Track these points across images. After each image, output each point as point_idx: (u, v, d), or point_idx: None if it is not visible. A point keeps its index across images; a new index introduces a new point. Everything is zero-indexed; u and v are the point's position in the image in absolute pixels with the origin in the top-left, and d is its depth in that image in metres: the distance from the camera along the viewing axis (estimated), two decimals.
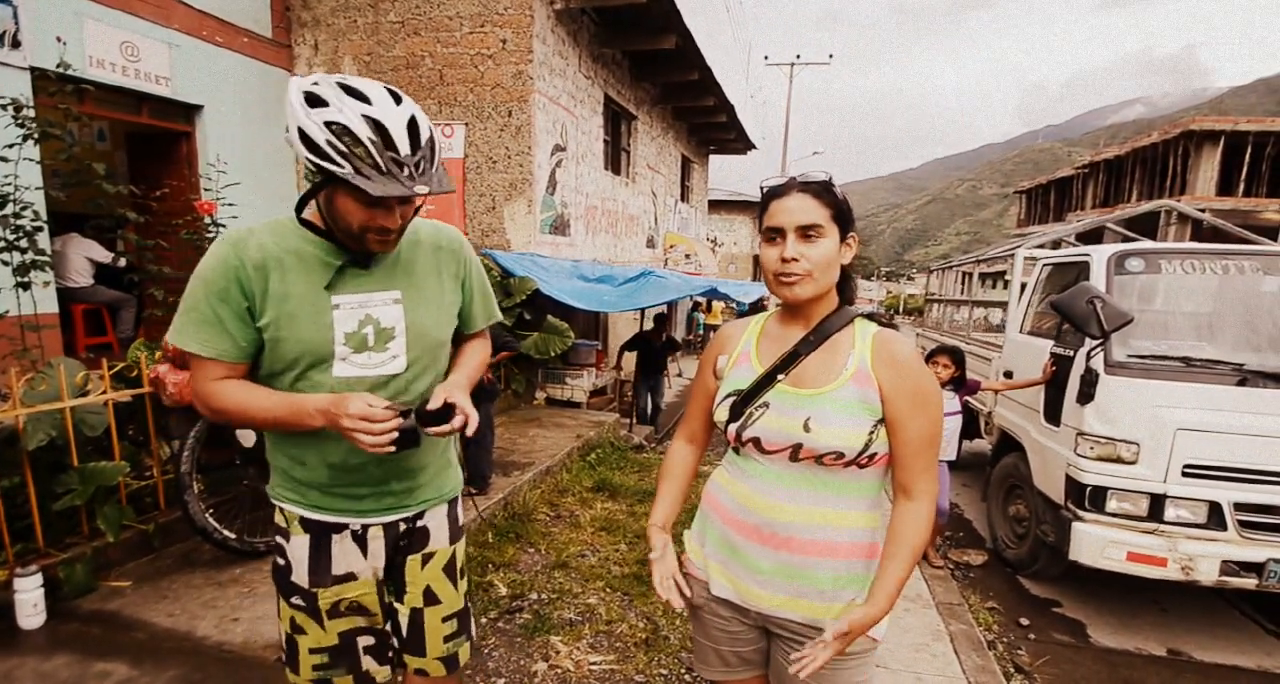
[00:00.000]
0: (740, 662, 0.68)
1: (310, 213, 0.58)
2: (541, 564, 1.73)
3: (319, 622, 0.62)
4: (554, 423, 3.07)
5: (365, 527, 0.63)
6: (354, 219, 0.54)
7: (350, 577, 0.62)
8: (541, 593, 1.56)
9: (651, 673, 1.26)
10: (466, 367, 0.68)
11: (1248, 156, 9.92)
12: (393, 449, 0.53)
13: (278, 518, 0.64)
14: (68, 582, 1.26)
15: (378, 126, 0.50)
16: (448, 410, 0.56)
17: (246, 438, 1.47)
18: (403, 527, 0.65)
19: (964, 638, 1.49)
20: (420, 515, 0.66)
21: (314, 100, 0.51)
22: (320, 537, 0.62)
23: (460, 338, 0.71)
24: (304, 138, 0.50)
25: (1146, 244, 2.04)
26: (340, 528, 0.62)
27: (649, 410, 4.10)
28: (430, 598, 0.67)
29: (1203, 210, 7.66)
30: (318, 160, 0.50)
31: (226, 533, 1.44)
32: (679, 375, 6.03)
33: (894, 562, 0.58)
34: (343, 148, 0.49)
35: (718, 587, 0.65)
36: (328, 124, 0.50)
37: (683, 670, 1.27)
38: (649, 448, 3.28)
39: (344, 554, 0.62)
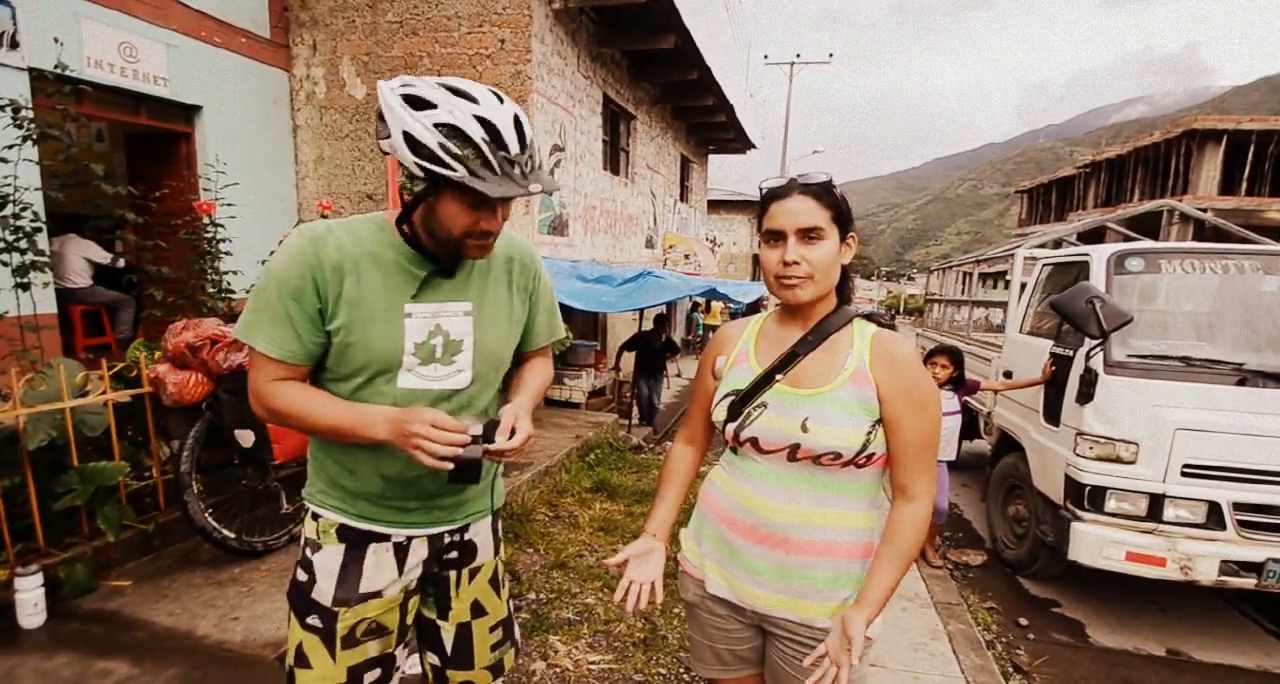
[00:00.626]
0: (736, 660, 0.68)
1: (393, 218, 0.57)
2: (540, 564, 1.73)
3: (330, 650, 0.57)
4: (553, 423, 3.08)
5: (409, 538, 0.60)
6: (457, 225, 0.52)
7: (375, 595, 0.59)
8: (540, 593, 1.56)
9: (650, 672, 1.26)
10: (531, 388, 0.66)
11: (1250, 156, 9.90)
12: (450, 466, 0.51)
13: (307, 529, 0.60)
14: (68, 581, 1.27)
15: (488, 126, 0.48)
16: (509, 434, 0.54)
17: (245, 438, 1.47)
18: (447, 539, 0.63)
19: (962, 637, 1.49)
20: (466, 528, 0.64)
21: (418, 103, 0.48)
22: (358, 547, 0.59)
23: (520, 356, 0.68)
24: (410, 142, 0.48)
25: (1146, 243, 2.04)
26: (382, 538, 0.59)
27: (649, 410, 4.11)
28: (477, 610, 0.66)
29: (1204, 210, 7.63)
30: (428, 164, 0.48)
31: (226, 532, 1.44)
32: (678, 375, 6.04)
33: (886, 563, 0.57)
34: (455, 150, 0.48)
35: (714, 585, 0.65)
36: (438, 126, 0.48)
37: (681, 670, 1.27)
38: (647, 449, 3.28)
39: (377, 568, 0.59)
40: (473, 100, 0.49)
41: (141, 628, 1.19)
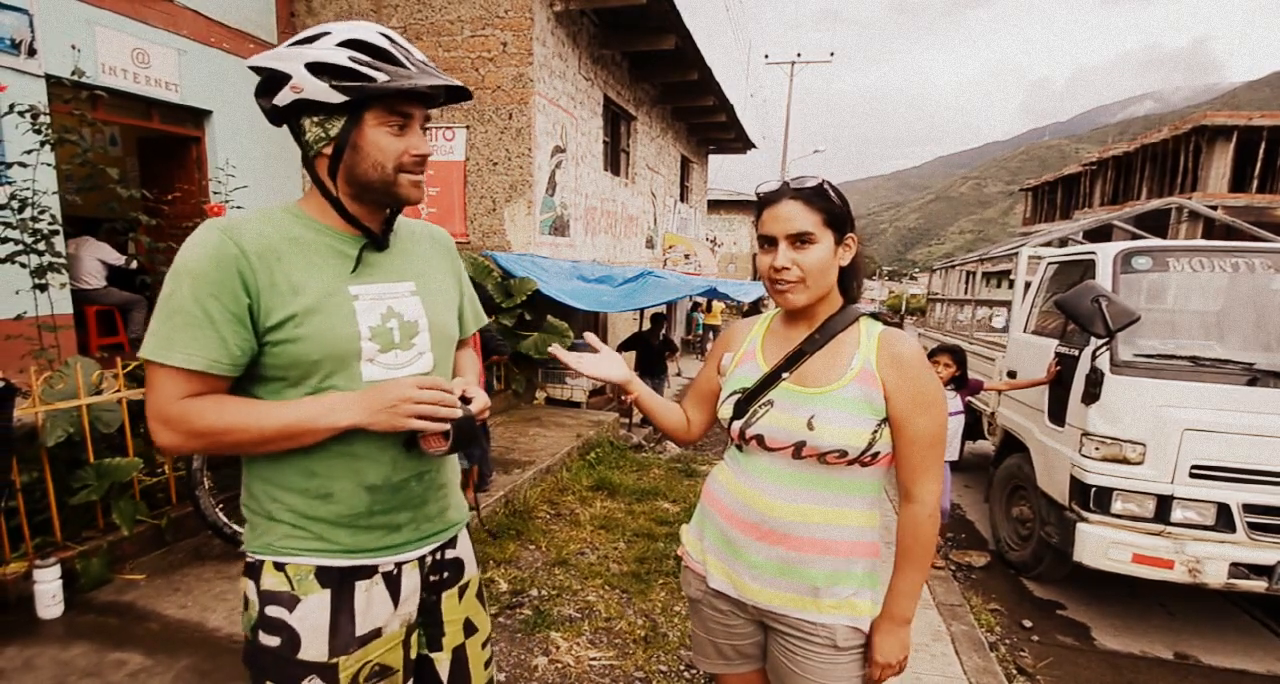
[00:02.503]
0: (737, 655, 0.68)
1: (305, 204, 0.53)
2: (541, 561, 1.75)
3: None
4: (554, 422, 3.10)
5: (398, 565, 0.53)
6: (389, 154, 0.48)
7: (376, 634, 0.51)
8: (541, 589, 1.57)
9: (650, 669, 1.27)
10: (471, 374, 0.64)
11: (1262, 152, 9.74)
12: (445, 441, 0.47)
13: (267, 583, 0.50)
14: (85, 574, 1.30)
15: (385, 35, 0.48)
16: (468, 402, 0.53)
17: None
18: (430, 560, 0.56)
19: (965, 639, 1.48)
20: (451, 543, 0.59)
21: (308, 39, 0.47)
22: (343, 588, 0.50)
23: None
24: (319, 69, 0.45)
25: (1154, 242, 2.00)
26: (369, 572, 0.51)
27: None
28: (470, 628, 0.60)
29: (1214, 208, 7.48)
30: (346, 82, 0.45)
31: (236, 527, 1.48)
32: (678, 375, 6.02)
33: (902, 571, 0.59)
34: (368, 59, 0.46)
35: (716, 580, 0.66)
36: (340, 45, 0.46)
37: (681, 667, 1.28)
38: (647, 448, 3.28)
39: (370, 605, 0.51)
40: (346, 28, 0.48)
41: (154, 620, 1.21)
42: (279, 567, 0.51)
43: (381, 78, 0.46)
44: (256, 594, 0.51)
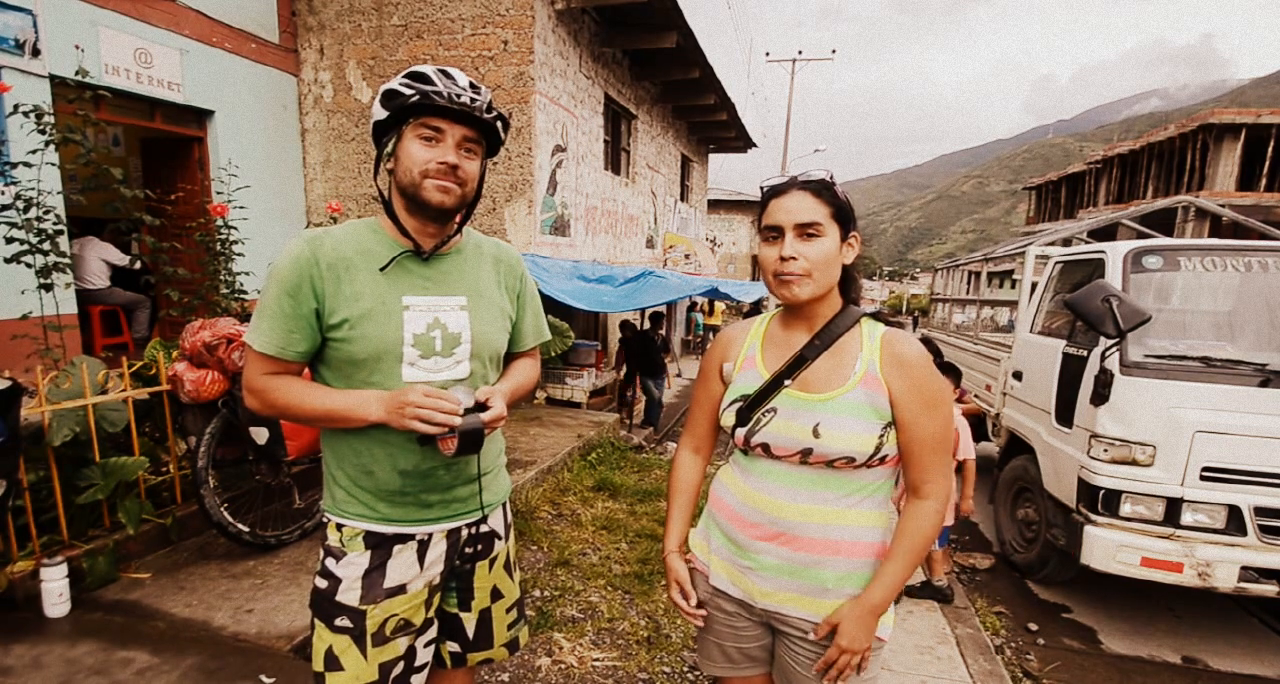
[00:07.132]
0: (744, 658, 0.68)
1: (383, 219, 0.62)
2: (544, 561, 1.75)
3: (362, 649, 0.59)
4: (555, 422, 3.09)
5: (430, 535, 0.62)
6: (416, 164, 0.57)
7: (400, 589, 0.61)
8: (544, 590, 1.58)
9: (654, 670, 1.26)
10: (514, 379, 0.69)
11: (1270, 150, 9.62)
12: (432, 429, 0.53)
13: (330, 538, 0.61)
14: (91, 572, 1.30)
15: (443, 72, 0.58)
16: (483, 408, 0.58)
17: (259, 435, 1.50)
18: (465, 533, 0.65)
19: (970, 642, 1.48)
20: (484, 521, 0.67)
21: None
22: (383, 550, 0.60)
23: (510, 356, 0.71)
24: (384, 95, 0.57)
25: (1164, 241, 1.97)
26: (406, 539, 0.61)
27: (655, 410, 4.12)
28: (496, 595, 0.69)
29: (1223, 206, 7.35)
30: (393, 101, 0.56)
31: (240, 527, 1.47)
32: (678, 375, 6.02)
33: (892, 560, 0.58)
34: (410, 81, 0.56)
35: (722, 582, 0.66)
36: (402, 75, 0.58)
37: (685, 669, 1.28)
38: (648, 448, 3.29)
39: (400, 566, 0.61)
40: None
41: (160, 618, 1.22)
42: (339, 527, 0.62)
43: (413, 94, 0.56)
44: (323, 546, 0.63)
